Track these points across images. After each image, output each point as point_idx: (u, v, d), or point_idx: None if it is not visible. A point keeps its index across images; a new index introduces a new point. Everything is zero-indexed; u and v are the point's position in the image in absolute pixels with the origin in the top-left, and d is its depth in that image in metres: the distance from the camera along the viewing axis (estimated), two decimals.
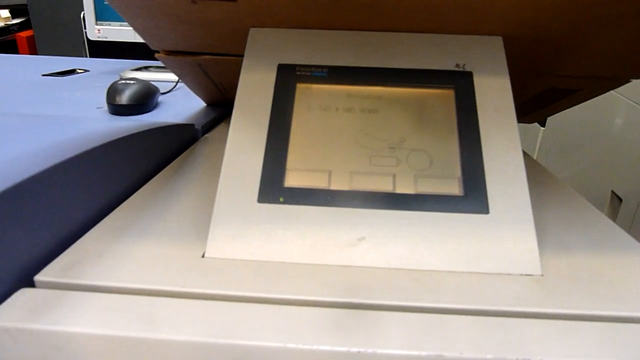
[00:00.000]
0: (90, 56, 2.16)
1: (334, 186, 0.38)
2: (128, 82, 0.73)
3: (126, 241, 0.37)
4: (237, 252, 0.36)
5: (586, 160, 1.23)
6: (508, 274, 0.34)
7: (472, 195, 0.37)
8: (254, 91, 0.42)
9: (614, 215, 1.09)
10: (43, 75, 1.05)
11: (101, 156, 0.43)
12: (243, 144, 0.40)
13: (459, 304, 0.31)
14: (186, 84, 0.69)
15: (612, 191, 1.09)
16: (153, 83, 0.77)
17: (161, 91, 0.80)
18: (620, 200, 1.06)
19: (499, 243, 0.35)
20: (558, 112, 0.71)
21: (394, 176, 0.38)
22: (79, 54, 2.23)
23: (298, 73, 0.43)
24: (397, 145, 0.40)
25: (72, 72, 1.09)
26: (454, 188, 0.38)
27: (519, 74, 0.54)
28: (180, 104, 0.81)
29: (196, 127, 0.66)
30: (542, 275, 0.34)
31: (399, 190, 0.38)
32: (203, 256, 0.36)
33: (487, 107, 0.41)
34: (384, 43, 0.44)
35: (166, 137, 0.59)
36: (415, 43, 0.44)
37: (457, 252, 0.35)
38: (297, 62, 0.44)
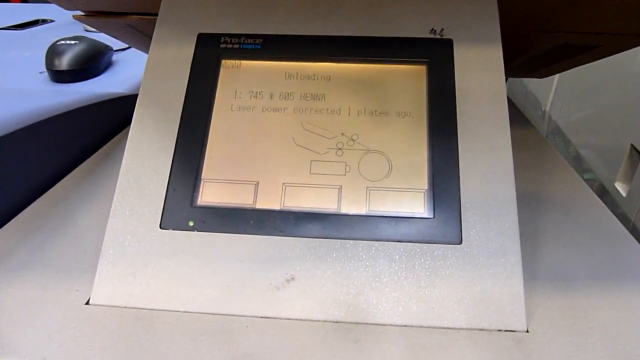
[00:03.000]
0: None
1: (261, 204, 0.29)
2: (70, 42, 0.63)
3: (1, 273, 0.30)
4: (129, 299, 0.27)
5: (604, 108, 1.08)
6: (482, 330, 0.26)
7: (442, 217, 0.28)
8: (165, 72, 0.32)
9: (631, 172, 0.97)
10: (0, 28, 0.95)
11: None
12: (146, 146, 0.30)
13: None
14: (132, 46, 0.59)
15: (631, 145, 0.97)
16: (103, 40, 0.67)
17: (115, 49, 0.70)
18: None
19: (473, 286, 0.26)
20: (575, 67, 0.59)
21: (340, 189, 0.29)
22: None
23: (223, 45, 0.33)
24: (347, 144, 0.30)
25: (34, 23, 0.99)
26: (418, 206, 0.28)
27: (521, 31, 0.42)
28: (138, 63, 0.71)
29: None
30: (527, 331, 0.26)
31: (345, 210, 0.29)
32: (88, 302, 0.28)
33: (469, 91, 0.30)
34: (334, 3, 0.33)
35: (101, 114, 0.50)
36: (377, 1, 0.33)
37: (417, 299, 0.26)
38: (223, 31, 0.33)
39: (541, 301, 0.28)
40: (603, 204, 0.37)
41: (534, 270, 0.30)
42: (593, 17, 0.37)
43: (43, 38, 0.88)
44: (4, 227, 0.34)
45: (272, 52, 0.32)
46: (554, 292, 0.28)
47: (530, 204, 0.36)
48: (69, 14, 0.45)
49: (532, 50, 0.51)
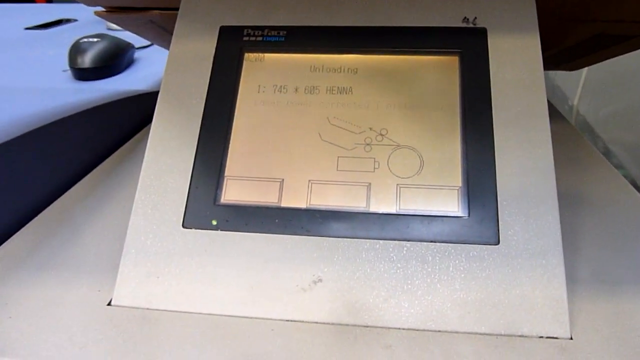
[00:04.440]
0: None
1: (287, 202, 0.28)
2: (92, 39, 0.62)
3: (24, 273, 0.29)
4: (152, 300, 0.27)
5: (634, 102, 1.04)
6: (522, 336, 0.24)
7: (477, 215, 0.26)
8: (186, 67, 0.31)
9: None
10: (26, 28, 0.96)
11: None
12: (168, 143, 0.30)
13: None
14: (154, 42, 0.58)
15: None
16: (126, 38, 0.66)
17: (137, 46, 0.70)
18: None
19: (511, 289, 0.25)
20: (609, 58, 0.56)
21: (369, 187, 0.28)
22: None
23: (246, 38, 0.32)
24: (376, 140, 0.29)
25: (58, 22, 1.00)
26: (451, 204, 0.27)
27: (555, 21, 0.40)
28: (160, 60, 0.70)
29: None
30: (570, 338, 0.24)
31: (374, 208, 0.27)
32: (110, 303, 0.27)
33: (505, 83, 0.29)
34: None
35: (123, 111, 0.50)
36: None
37: (451, 303, 0.25)
38: (245, 23, 0.32)
39: (585, 306, 0.26)
40: None
41: (575, 272, 0.28)
42: (633, 5, 0.35)
43: (67, 37, 0.89)
44: (26, 226, 0.34)
45: (297, 44, 0.31)
46: (598, 296, 0.26)
47: (569, 202, 0.34)
48: (92, 13, 0.45)
49: (567, 41, 0.49)
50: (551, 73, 1.15)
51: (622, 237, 0.31)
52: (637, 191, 0.36)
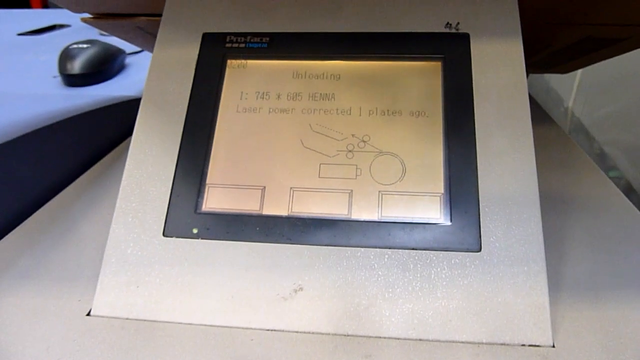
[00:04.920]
0: None
1: (268, 210, 0.28)
2: (82, 45, 0.62)
3: (5, 282, 0.29)
4: (132, 309, 0.26)
5: (629, 103, 1.04)
6: (503, 345, 0.24)
7: (459, 222, 0.26)
8: (169, 74, 0.31)
9: None
10: (18, 34, 0.95)
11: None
12: (149, 151, 0.29)
13: None
14: (143, 48, 0.58)
15: None
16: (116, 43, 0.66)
17: (128, 52, 0.69)
18: None
19: (493, 296, 0.25)
20: (600, 61, 0.56)
21: (351, 194, 0.27)
22: None
23: (229, 45, 0.32)
24: (358, 146, 0.29)
25: (51, 28, 0.99)
26: (433, 211, 0.27)
27: (542, 24, 0.40)
28: None
29: None
30: (553, 346, 0.24)
31: (356, 215, 0.27)
32: (89, 313, 0.27)
33: (487, 88, 0.28)
34: None
35: (112, 117, 0.50)
36: None
37: (433, 311, 0.25)
38: (228, 30, 0.32)
39: (568, 313, 0.26)
40: (633, 205, 0.35)
41: (559, 278, 0.28)
42: (619, 9, 0.35)
43: (59, 43, 0.88)
44: (10, 234, 0.34)
45: (279, 51, 0.31)
46: (581, 303, 0.26)
47: (555, 207, 0.34)
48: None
49: (555, 44, 0.49)
50: (545, 75, 1.15)
51: (608, 242, 0.31)
52: (627, 195, 0.36)
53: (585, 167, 0.40)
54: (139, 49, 0.73)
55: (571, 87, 1.25)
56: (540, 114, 0.52)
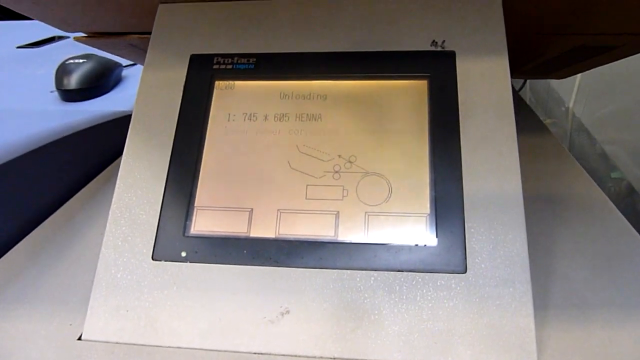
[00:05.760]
0: None
1: (255, 232, 0.28)
2: (78, 60, 0.63)
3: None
4: (121, 334, 0.27)
5: (630, 103, 1.03)
6: None
7: (445, 243, 0.26)
8: (157, 96, 0.31)
9: None
10: (17, 47, 0.96)
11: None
12: (138, 174, 0.30)
13: None
14: (137, 63, 0.58)
15: None
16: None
17: (125, 64, 0.70)
18: None
19: (478, 318, 0.25)
20: (596, 67, 0.56)
21: (337, 215, 0.28)
22: None
23: (216, 66, 0.32)
24: (345, 167, 0.29)
25: (50, 40, 1.00)
26: (419, 232, 0.27)
27: (534, 35, 0.40)
28: None
29: None
30: None
31: (342, 237, 0.27)
32: (80, 338, 0.27)
33: (473, 106, 0.29)
34: (331, 17, 0.32)
35: (107, 134, 0.50)
36: (373, 14, 0.31)
37: (419, 333, 0.25)
38: (216, 51, 0.32)
39: (554, 332, 0.26)
40: (624, 219, 0.34)
41: (546, 296, 0.28)
42: (610, 19, 0.35)
43: (57, 55, 0.89)
44: (3, 257, 0.34)
45: (266, 72, 0.31)
46: (568, 322, 0.26)
47: (544, 221, 0.34)
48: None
49: (548, 53, 0.49)
50: None
51: (598, 259, 0.31)
52: (629, 196, 0.35)
53: (577, 178, 0.40)
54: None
55: (572, 87, 1.24)
56: (533, 122, 0.52)
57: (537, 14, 0.34)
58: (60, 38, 1.03)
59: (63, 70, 0.61)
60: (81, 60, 0.62)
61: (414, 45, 0.30)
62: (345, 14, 0.31)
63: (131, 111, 0.52)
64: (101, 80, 0.63)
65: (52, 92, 0.65)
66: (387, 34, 0.31)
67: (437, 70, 0.30)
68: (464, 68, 0.29)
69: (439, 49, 0.30)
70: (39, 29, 1.11)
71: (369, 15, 0.31)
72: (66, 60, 0.63)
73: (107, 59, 0.66)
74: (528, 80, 1.13)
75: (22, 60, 0.86)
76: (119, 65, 0.67)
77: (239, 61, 0.32)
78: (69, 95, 0.61)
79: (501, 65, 0.29)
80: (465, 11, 0.30)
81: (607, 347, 0.25)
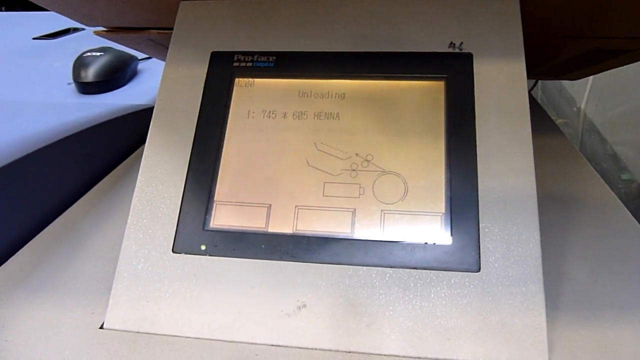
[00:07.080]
0: None
1: (273, 227, 0.29)
2: (96, 53, 0.64)
3: (22, 295, 0.30)
4: (142, 323, 0.27)
5: None
6: None
7: (459, 242, 0.27)
8: (178, 92, 0.32)
9: None
10: (34, 38, 0.97)
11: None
12: (159, 169, 0.30)
13: None
14: (154, 57, 0.59)
15: None
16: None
17: (140, 58, 0.71)
18: None
19: (491, 316, 0.25)
20: (609, 69, 0.56)
21: (354, 213, 0.28)
22: None
23: (236, 64, 0.32)
24: (362, 165, 0.29)
25: (66, 32, 1.01)
26: (434, 231, 0.27)
27: (550, 38, 0.40)
28: None
29: None
30: None
31: (358, 234, 0.28)
32: (102, 327, 0.28)
33: (489, 108, 0.29)
34: (351, 18, 0.32)
35: (124, 127, 0.51)
36: (392, 15, 0.32)
37: (432, 330, 0.25)
38: (236, 49, 0.33)
39: (565, 332, 0.26)
40: (635, 221, 0.35)
41: (558, 296, 0.29)
42: (625, 23, 0.35)
43: (73, 47, 0.90)
44: (25, 246, 0.35)
45: (286, 70, 0.32)
46: (579, 323, 0.27)
47: (556, 222, 0.35)
48: None
49: (562, 55, 0.49)
50: None
51: (609, 260, 0.31)
52: None
53: (589, 179, 0.40)
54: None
55: (584, 87, 1.23)
56: (545, 123, 0.52)
57: (554, 18, 0.35)
58: (76, 30, 1.04)
59: (80, 63, 0.62)
60: (98, 53, 0.63)
61: (432, 46, 0.31)
62: (364, 15, 0.32)
63: (148, 105, 0.53)
64: (118, 73, 0.64)
65: (69, 84, 0.66)
66: (406, 35, 0.31)
67: (454, 71, 0.30)
68: (481, 70, 0.30)
69: (457, 50, 0.31)
70: (53, 20, 1.12)
71: (388, 17, 0.32)
72: (83, 53, 0.64)
73: (123, 52, 0.67)
74: (539, 83, 1.12)
75: (39, 52, 0.87)
76: (134, 59, 0.68)
77: (259, 59, 0.32)
78: (86, 88, 0.62)
79: (518, 68, 0.30)
80: (483, 14, 0.31)
81: (617, 348, 0.25)
